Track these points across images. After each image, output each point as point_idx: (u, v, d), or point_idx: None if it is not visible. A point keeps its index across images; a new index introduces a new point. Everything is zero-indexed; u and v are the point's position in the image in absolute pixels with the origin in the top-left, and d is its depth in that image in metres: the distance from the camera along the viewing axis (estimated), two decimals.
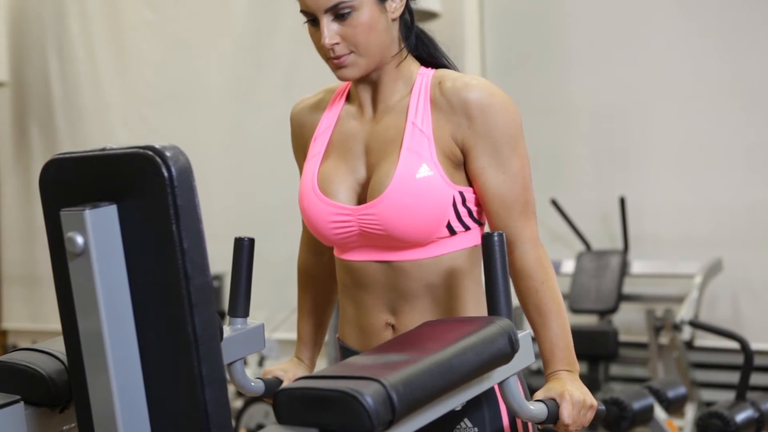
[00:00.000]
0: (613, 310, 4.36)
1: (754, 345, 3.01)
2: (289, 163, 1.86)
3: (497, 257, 1.49)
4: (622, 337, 4.40)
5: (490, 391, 1.61)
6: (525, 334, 1.52)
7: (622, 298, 4.39)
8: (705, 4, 4.49)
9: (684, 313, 4.07)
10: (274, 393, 1.75)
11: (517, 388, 1.52)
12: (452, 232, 1.61)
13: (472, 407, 1.61)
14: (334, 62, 1.62)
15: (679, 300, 4.29)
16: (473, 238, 1.65)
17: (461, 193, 1.60)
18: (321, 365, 3.19)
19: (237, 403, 4.59)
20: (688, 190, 4.52)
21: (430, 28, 1.78)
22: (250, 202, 5.40)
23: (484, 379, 1.43)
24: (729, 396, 2.75)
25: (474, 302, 1.67)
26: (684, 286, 4.32)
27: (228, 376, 1.72)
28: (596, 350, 4.20)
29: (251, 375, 1.79)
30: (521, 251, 1.65)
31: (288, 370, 1.87)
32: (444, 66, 1.75)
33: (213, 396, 1.19)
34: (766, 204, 4.35)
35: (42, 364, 1.48)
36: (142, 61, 5.85)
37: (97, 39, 5.95)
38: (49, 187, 1.28)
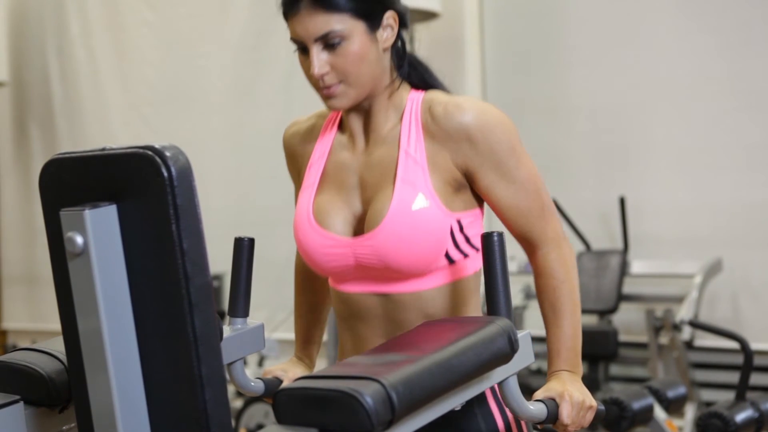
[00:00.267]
0: (613, 310, 4.36)
1: (754, 345, 3.01)
2: None
3: (497, 257, 1.49)
4: (622, 337, 4.40)
5: (482, 397, 1.61)
6: (525, 334, 1.53)
7: (621, 298, 4.39)
8: (705, 3, 4.49)
9: (684, 313, 4.07)
10: (273, 393, 1.75)
11: (516, 388, 1.52)
12: (451, 261, 1.60)
13: (465, 417, 1.61)
14: (324, 92, 1.60)
15: (679, 300, 4.29)
16: (472, 265, 1.64)
17: (458, 221, 1.59)
18: (321, 365, 3.20)
19: (237, 403, 4.59)
20: (688, 190, 4.52)
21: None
22: (250, 202, 5.40)
23: (484, 379, 1.43)
24: (729, 396, 2.75)
25: None
26: (684, 286, 4.32)
27: (228, 376, 1.72)
28: (596, 350, 4.20)
29: (251, 375, 1.80)
30: (544, 252, 1.65)
31: (288, 370, 1.87)
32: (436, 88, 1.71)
33: (213, 396, 1.19)
34: (766, 204, 4.35)
35: (42, 364, 1.48)
36: (142, 61, 5.85)
37: (97, 39, 5.95)
38: (49, 187, 1.28)
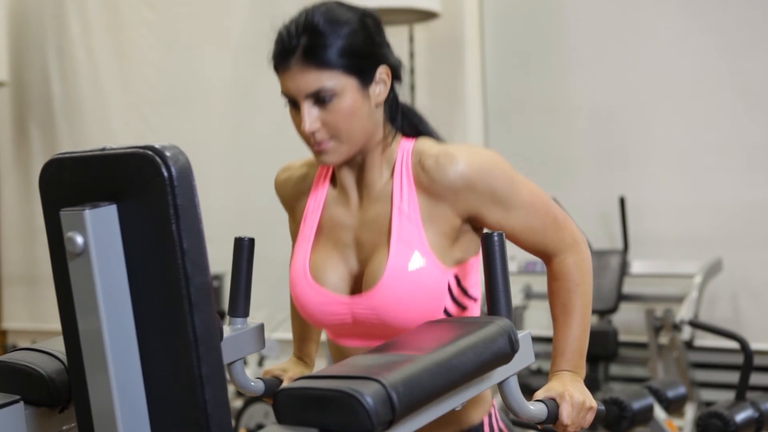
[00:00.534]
0: (613, 309, 4.36)
1: (754, 345, 3.01)
2: None
3: (497, 257, 1.49)
4: (622, 337, 4.40)
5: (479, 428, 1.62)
6: (525, 334, 1.53)
7: (621, 297, 4.39)
8: (705, 3, 4.49)
9: (684, 313, 4.07)
10: (273, 393, 1.75)
11: (517, 388, 1.52)
12: (449, 315, 1.59)
13: None
14: (315, 148, 1.58)
15: (679, 300, 4.29)
16: (471, 315, 1.63)
17: (456, 276, 1.58)
18: (321, 365, 3.20)
19: (237, 403, 4.59)
20: (688, 190, 4.52)
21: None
22: (250, 202, 5.39)
23: (484, 379, 1.44)
24: (729, 396, 2.75)
25: None
26: (684, 286, 4.32)
27: (228, 376, 1.72)
28: (596, 350, 4.20)
29: (251, 375, 1.80)
30: (560, 258, 1.65)
31: (288, 370, 1.87)
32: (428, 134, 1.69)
33: (213, 396, 1.19)
34: (766, 204, 4.35)
35: (42, 364, 1.48)
36: (142, 61, 5.85)
37: (97, 39, 5.94)
38: (49, 187, 1.29)
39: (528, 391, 1.66)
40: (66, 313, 1.27)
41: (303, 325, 1.93)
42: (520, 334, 1.49)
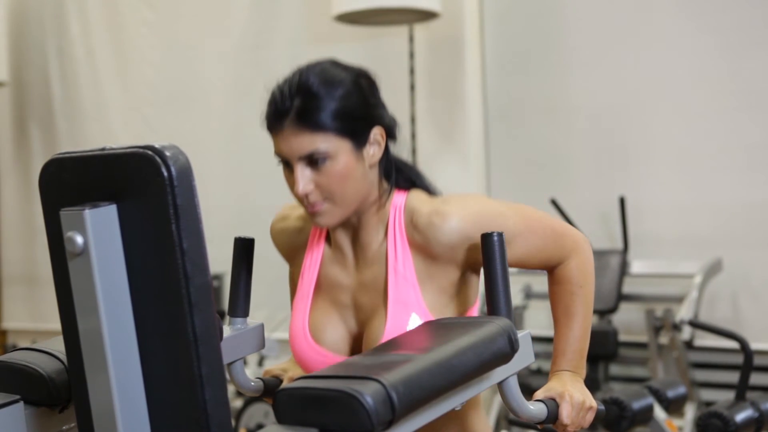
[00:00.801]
0: (613, 309, 4.36)
1: (754, 345, 3.01)
2: None
3: (497, 257, 1.49)
4: (622, 337, 4.40)
5: None
6: (525, 333, 1.53)
7: (621, 297, 4.39)
8: (705, 3, 4.49)
9: (684, 312, 4.07)
10: (273, 393, 1.75)
11: (516, 388, 1.52)
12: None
13: None
14: (309, 210, 1.57)
15: (679, 300, 4.29)
16: None
17: None
18: None
19: (237, 403, 4.59)
20: (688, 190, 4.52)
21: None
22: (250, 202, 5.39)
23: (484, 379, 1.44)
24: (729, 396, 2.75)
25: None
26: (684, 286, 4.32)
27: (228, 376, 1.72)
28: (596, 350, 4.20)
29: (251, 375, 1.80)
30: (563, 264, 1.66)
31: (288, 370, 1.87)
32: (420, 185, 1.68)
33: (213, 396, 1.20)
34: (766, 204, 4.35)
35: (42, 364, 1.48)
36: (142, 61, 5.85)
37: (97, 39, 5.94)
38: (49, 187, 1.29)
39: (528, 391, 1.67)
40: (66, 313, 1.27)
41: None
42: (520, 334, 1.49)
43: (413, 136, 4.85)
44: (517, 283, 4.49)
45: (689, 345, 4.17)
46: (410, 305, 1.56)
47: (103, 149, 1.23)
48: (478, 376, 1.39)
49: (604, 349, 4.24)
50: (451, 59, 4.82)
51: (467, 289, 1.63)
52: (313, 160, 1.53)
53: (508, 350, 1.41)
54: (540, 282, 4.41)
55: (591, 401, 1.61)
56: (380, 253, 1.61)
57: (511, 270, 1.54)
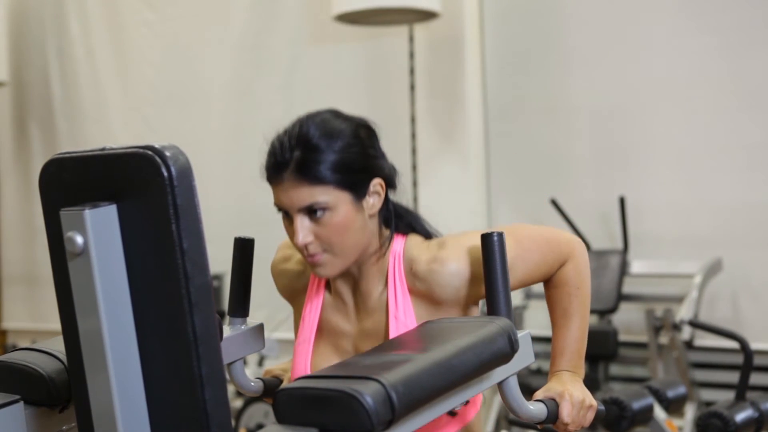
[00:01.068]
0: (613, 309, 4.36)
1: (754, 345, 3.01)
2: None
3: (497, 257, 1.49)
4: (622, 337, 4.40)
5: None
6: (525, 334, 1.53)
7: (621, 297, 4.39)
8: (705, 3, 4.49)
9: (684, 312, 4.07)
10: (273, 393, 1.75)
11: (516, 388, 1.52)
12: (452, 414, 1.60)
13: None
14: (309, 260, 1.57)
15: (679, 300, 4.29)
16: (473, 408, 1.65)
17: None
18: None
19: (237, 403, 4.59)
20: (688, 190, 4.52)
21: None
22: (250, 202, 5.39)
23: (484, 379, 1.44)
24: (729, 396, 2.75)
25: None
26: (684, 285, 4.32)
27: (228, 376, 1.72)
28: (596, 350, 4.20)
29: (251, 375, 1.80)
30: (560, 268, 1.66)
31: (288, 370, 1.87)
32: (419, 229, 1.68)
33: (213, 396, 1.19)
34: (766, 204, 4.35)
35: (42, 364, 1.48)
36: (142, 61, 5.85)
37: (97, 39, 5.95)
38: (49, 187, 1.29)
39: (528, 391, 1.67)
40: (66, 313, 1.27)
41: None
42: (520, 334, 1.49)
43: (413, 136, 4.85)
44: None
45: (689, 345, 4.17)
46: None
47: (103, 149, 1.23)
48: (478, 376, 1.39)
49: (604, 349, 4.24)
50: (451, 59, 4.82)
51: None
52: (312, 212, 1.53)
53: (508, 350, 1.41)
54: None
55: (591, 400, 1.61)
56: (381, 301, 1.63)
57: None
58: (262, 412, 4.47)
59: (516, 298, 4.45)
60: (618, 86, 4.67)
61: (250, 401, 4.47)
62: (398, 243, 1.64)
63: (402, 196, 1.69)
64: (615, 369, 4.58)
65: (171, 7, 5.77)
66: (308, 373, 1.65)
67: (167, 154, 1.17)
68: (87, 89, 5.99)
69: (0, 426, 1.42)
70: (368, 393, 1.15)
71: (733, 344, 3.04)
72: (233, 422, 4.41)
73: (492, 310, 1.49)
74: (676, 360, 4.15)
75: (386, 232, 1.64)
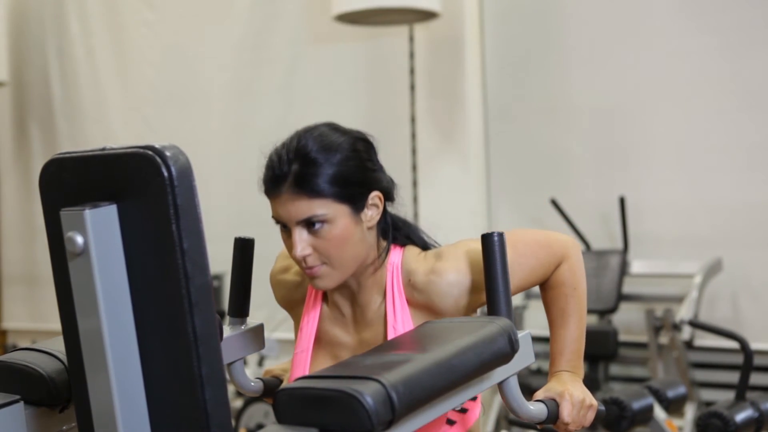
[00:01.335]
0: (613, 309, 4.36)
1: (754, 345, 3.01)
2: None
3: (497, 257, 1.49)
4: (622, 337, 4.40)
5: None
6: (525, 334, 1.53)
7: (621, 297, 4.39)
8: (705, 3, 4.49)
9: (684, 312, 4.07)
10: (273, 393, 1.75)
11: (517, 388, 1.52)
12: (451, 423, 1.61)
13: None
14: (307, 272, 1.58)
15: (679, 300, 4.29)
16: (472, 415, 1.65)
17: None
18: None
19: (237, 403, 4.59)
20: (688, 190, 4.52)
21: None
22: (250, 202, 5.37)
23: (484, 379, 1.44)
24: (729, 396, 2.75)
25: None
26: (684, 286, 4.32)
27: (228, 376, 1.72)
28: (596, 350, 4.21)
29: (251, 375, 1.80)
30: (556, 270, 1.66)
31: (288, 370, 1.87)
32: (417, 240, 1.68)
33: (213, 396, 1.19)
34: (766, 204, 4.35)
35: (42, 364, 1.48)
36: (142, 61, 5.85)
37: (97, 39, 5.95)
38: (49, 187, 1.28)
39: (528, 391, 1.67)
40: (66, 313, 1.27)
41: None
42: (520, 334, 1.49)
43: (413, 136, 4.85)
44: None
45: (689, 345, 4.17)
46: None
47: (103, 149, 1.23)
48: (478, 376, 1.38)
49: (604, 349, 4.24)
50: (451, 59, 4.82)
51: None
52: (311, 224, 1.54)
53: (508, 350, 1.41)
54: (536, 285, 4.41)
55: (591, 400, 1.62)
56: (379, 313, 1.63)
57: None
58: (262, 412, 4.47)
59: (516, 298, 4.44)
60: (618, 86, 4.67)
61: (250, 401, 4.47)
62: (396, 255, 1.64)
63: (401, 206, 1.69)
64: (615, 369, 4.58)
65: (171, 7, 5.77)
66: None
67: (167, 154, 1.17)
68: (87, 89, 5.99)
69: (0, 426, 1.42)
70: (368, 393, 1.15)
71: (733, 344, 3.04)
72: (233, 422, 4.41)
73: (492, 310, 1.49)
74: (676, 360, 4.15)
75: (383, 244, 1.64)
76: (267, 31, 5.34)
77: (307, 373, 1.66)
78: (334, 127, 1.60)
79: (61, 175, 1.27)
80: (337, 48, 5.15)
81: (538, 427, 1.65)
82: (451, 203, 4.79)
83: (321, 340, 1.68)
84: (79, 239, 1.19)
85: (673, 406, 2.84)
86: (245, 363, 1.79)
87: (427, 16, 4.45)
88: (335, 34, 5.04)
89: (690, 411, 4.07)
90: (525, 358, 1.51)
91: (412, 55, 4.82)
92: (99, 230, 1.20)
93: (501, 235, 1.50)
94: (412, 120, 4.84)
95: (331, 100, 5.09)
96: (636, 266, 4.50)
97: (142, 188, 1.19)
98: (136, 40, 5.85)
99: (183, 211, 1.17)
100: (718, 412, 2.54)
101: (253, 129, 5.43)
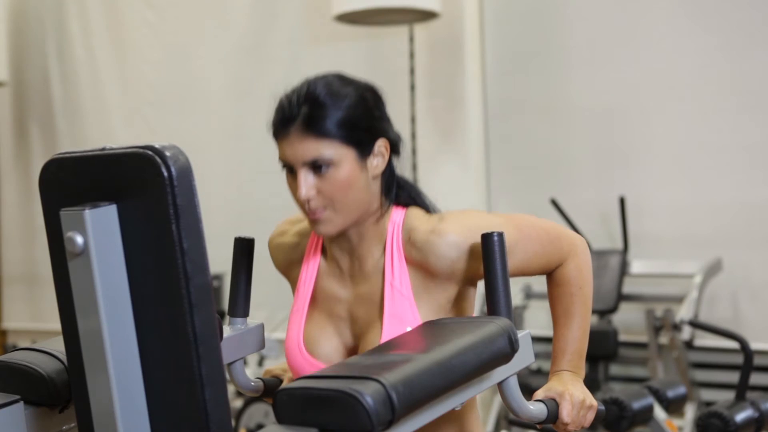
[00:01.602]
0: (613, 309, 4.36)
1: (754, 345, 3.01)
2: None
3: (497, 257, 1.49)
4: (622, 337, 4.40)
5: None
6: (525, 334, 1.53)
7: (621, 297, 4.39)
8: (706, 3, 4.49)
9: (684, 312, 4.07)
10: (273, 393, 1.75)
11: (516, 388, 1.52)
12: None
13: None
14: (310, 216, 1.58)
15: (679, 300, 4.29)
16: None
17: None
18: None
19: (237, 403, 4.59)
20: (688, 190, 4.52)
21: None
22: (250, 202, 5.39)
23: (484, 379, 1.44)
24: (729, 396, 2.75)
25: None
26: (684, 286, 4.32)
27: (228, 376, 1.72)
28: (596, 350, 4.20)
29: (251, 375, 1.80)
30: (562, 266, 1.66)
31: (288, 370, 1.87)
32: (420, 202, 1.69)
33: (213, 396, 1.20)
34: (766, 204, 4.35)
35: (42, 364, 1.48)
36: (142, 61, 5.85)
37: (97, 39, 5.95)
38: (49, 186, 1.29)
39: (528, 391, 1.67)
40: (66, 313, 1.27)
41: None
42: (520, 334, 1.49)
43: (413, 136, 4.85)
44: (517, 283, 4.49)
45: (689, 345, 4.17)
46: (406, 320, 1.57)
47: (103, 149, 1.23)
48: (478, 376, 1.39)
49: (604, 349, 4.24)
50: (451, 59, 4.82)
51: (464, 302, 1.64)
52: (316, 167, 1.55)
53: (508, 350, 1.41)
54: (540, 282, 4.41)
55: (591, 400, 1.62)
56: (377, 267, 1.63)
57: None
58: (262, 412, 4.47)
59: (516, 298, 4.45)
60: (618, 86, 4.67)
61: (250, 401, 4.47)
62: (398, 214, 1.65)
63: (403, 172, 1.70)
64: (615, 369, 4.58)
65: (171, 7, 5.77)
66: (301, 343, 1.66)
67: (167, 154, 1.17)
68: (87, 89, 5.99)
69: (0, 426, 1.42)
70: (368, 393, 1.15)
71: (733, 344, 3.04)
72: (233, 422, 4.41)
73: (492, 310, 1.49)
74: (676, 360, 4.15)
75: (386, 199, 1.65)
76: (266, 31, 5.33)
77: (301, 331, 1.66)
78: (342, 77, 1.62)
79: (60, 175, 1.27)
80: (337, 48, 5.15)
81: (538, 427, 1.65)
82: (451, 203, 4.76)
83: (317, 298, 1.68)
84: (79, 239, 1.19)
85: (673, 406, 2.84)
86: (245, 363, 1.79)
87: (427, 16, 4.45)
88: (335, 34, 5.04)
89: (690, 411, 4.07)
90: (525, 358, 1.51)
91: (412, 55, 4.82)
92: (99, 230, 1.20)
93: (501, 235, 1.50)
94: (412, 120, 4.84)
95: None
96: (636, 266, 4.50)
97: (141, 188, 1.19)
98: (136, 40, 5.85)
99: (183, 211, 1.17)
100: (718, 412, 2.54)
101: (253, 129, 5.43)
